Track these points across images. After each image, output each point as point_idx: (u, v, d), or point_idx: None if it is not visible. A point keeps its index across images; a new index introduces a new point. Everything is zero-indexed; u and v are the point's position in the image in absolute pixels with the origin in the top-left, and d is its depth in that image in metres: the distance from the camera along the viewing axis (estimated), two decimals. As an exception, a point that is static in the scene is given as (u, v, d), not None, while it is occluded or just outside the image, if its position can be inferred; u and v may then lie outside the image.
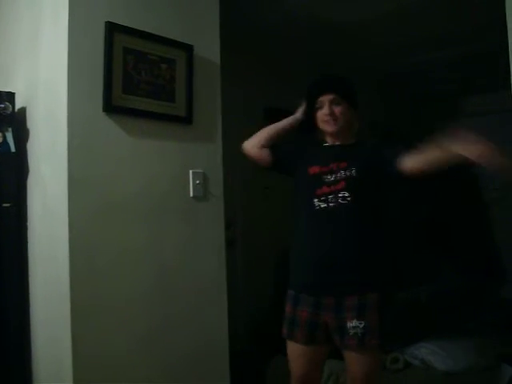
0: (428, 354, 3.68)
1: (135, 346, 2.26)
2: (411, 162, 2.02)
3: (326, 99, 2.14)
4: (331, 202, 2.04)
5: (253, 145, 2.29)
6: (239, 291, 3.77)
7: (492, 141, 1.83)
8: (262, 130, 2.31)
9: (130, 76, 2.29)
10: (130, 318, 2.26)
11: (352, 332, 1.97)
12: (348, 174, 2.04)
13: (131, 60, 2.30)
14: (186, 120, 2.48)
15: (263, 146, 2.27)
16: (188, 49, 2.48)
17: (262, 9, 3.46)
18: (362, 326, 1.96)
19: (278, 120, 2.35)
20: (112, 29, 2.22)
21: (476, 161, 1.87)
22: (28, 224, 2.45)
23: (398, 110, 5.47)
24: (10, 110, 2.39)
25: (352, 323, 1.97)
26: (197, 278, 2.49)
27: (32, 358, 2.43)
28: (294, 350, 2.13)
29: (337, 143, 2.19)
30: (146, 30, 2.34)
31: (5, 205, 2.38)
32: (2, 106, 2.37)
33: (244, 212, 4.06)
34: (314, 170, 2.12)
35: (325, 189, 2.05)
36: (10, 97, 2.41)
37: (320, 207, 2.05)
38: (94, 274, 2.16)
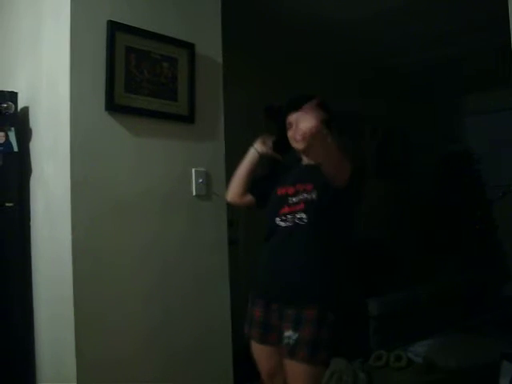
0: (430, 351, 3.68)
1: (139, 346, 2.26)
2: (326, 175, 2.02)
3: (293, 119, 2.15)
4: (289, 222, 2.11)
5: (235, 198, 2.35)
6: (241, 289, 3.77)
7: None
8: (233, 179, 2.33)
9: (132, 75, 2.29)
10: (134, 318, 2.26)
11: (285, 341, 2.03)
12: (309, 196, 2.09)
13: (133, 59, 2.30)
14: (189, 119, 2.49)
15: (244, 193, 2.33)
16: (190, 47, 2.48)
17: (264, 8, 3.46)
18: (294, 337, 2.01)
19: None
20: (114, 28, 2.22)
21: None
22: (31, 223, 2.45)
23: (398, 109, 5.47)
24: (13, 109, 2.40)
25: (287, 333, 2.03)
26: (200, 276, 2.50)
27: (36, 359, 2.44)
28: (254, 348, 2.22)
29: (309, 162, 2.19)
30: (148, 28, 2.34)
31: (8, 204, 2.39)
32: (5, 105, 2.37)
33: (246, 211, 4.06)
34: (282, 191, 2.18)
35: (286, 209, 2.12)
36: (12, 96, 2.41)
37: (280, 225, 2.13)
38: (97, 274, 2.16)
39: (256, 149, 2.29)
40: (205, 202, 2.54)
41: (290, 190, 2.15)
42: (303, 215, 2.08)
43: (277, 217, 2.14)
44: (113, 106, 2.22)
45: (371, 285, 4.08)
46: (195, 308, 2.47)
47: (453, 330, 4.07)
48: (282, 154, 2.30)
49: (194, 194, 2.49)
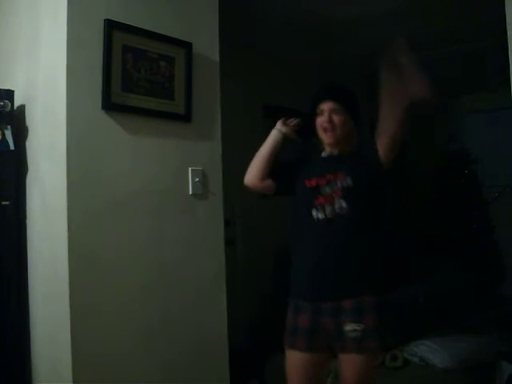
0: (427, 351, 3.69)
1: (135, 344, 2.26)
2: (380, 145, 2.08)
3: (326, 107, 2.13)
4: (328, 212, 2.05)
5: (254, 181, 2.25)
6: (238, 289, 3.77)
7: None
8: (254, 161, 2.26)
9: (129, 74, 2.29)
10: (130, 316, 2.26)
11: (351, 335, 1.97)
12: (344, 184, 2.06)
13: (130, 57, 2.29)
14: (185, 118, 2.48)
15: (264, 177, 2.24)
16: (187, 46, 2.47)
17: (262, 6, 3.45)
18: (360, 329, 1.97)
19: (277, 117, 2.34)
20: (111, 26, 2.22)
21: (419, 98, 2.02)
22: (27, 222, 2.45)
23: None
24: (9, 107, 2.39)
25: (350, 327, 1.98)
26: (196, 275, 2.49)
27: (31, 357, 2.44)
28: (295, 358, 2.10)
29: (334, 153, 2.19)
30: (145, 27, 2.34)
31: (4, 203, 2.38)
32: (1, 103, 2.37)
33: (243, 210, 4.06)
34: (311, 182, 2.13)
35: (321, 199, 2.07)
36: (9, 94, 2.41)
37: (318, 218, 2.07)
38: (92, 272, 2.16)
39: (279, 130, 2.25)
40: (201, 201, 2.54)
41: (321, 181, 2.10)
42: (343, 203, 2.04)
43: (312, 209, 2.07)
44: (109, 104, 2.22)
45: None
46: (192, 306, 2.47)
47: (449, 329, 4.07)
48: (302, 139, 2.28)
49: (191, 193, 2.49)
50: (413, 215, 5.57)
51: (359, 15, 3.61)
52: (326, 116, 2.12)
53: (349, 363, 2.03)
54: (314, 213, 2.07)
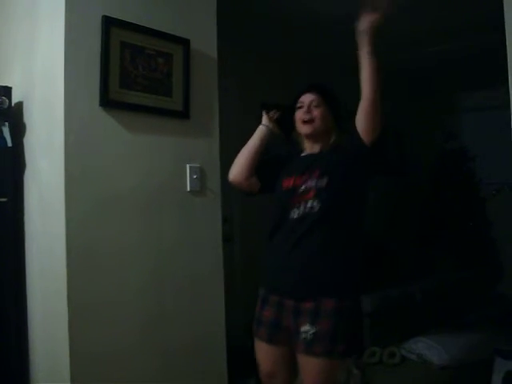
0: (424, 348, 3.70)
1: (133, 341, 2.26)
2: (358, 121, 2.01)
3: (306, 99, 2.14)
4: (301, 211, 2.03)
5: (239, 178, 2.21)
6: (236, 286, 3.77)
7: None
8: (239, 157, 2.22)
9: (127, 70, 2.29)
10: (127, 313, 2.26)
11: (302, 337, 1.94)
12: (319, 183, 2.02)
13: (128, 54, 2.29)
14: (183, 114, 2.48)
15: (249, 175, 2.20)
16: (185, 43, 2.47)
17: (260, 3, 3.45)
18: (312, 331, 1.93)
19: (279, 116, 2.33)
20: (109, 23, 2.22)
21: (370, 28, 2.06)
22: (25, 218, 2.45)
23: (393, 107, 5.48)
24: (7, 104, 2.39)
25: (304, 328, 1.95)
26: (194, 272, 2.49)
27: (29, 353, 2.44)
28: (259, 347, 2.14)
29: (315, 152, 2.16)
30: (143, 24, 2.34)
31: (1, 199, 2.38)
32: (-1, 100, 2.36)
33: (241, 207, 4.06)
34: (288, 182, 2.11)
35: (296, 199, 2.05)
36: (6, 91, 2.41)
37: (292, 217, 2.05)
38: (90, 269, 2.16)
39: (266, 125, 2.23)
40: (199, 198, 2.54)
41: (298, 181, 2.07)
42: (314, 203, 2.00)
43: (287, 208, 2.06)
44: (107, 101, 2.22)
45: (365, 281, 4.10)
46: (189, 303, 2.47)
47: (447, 327, 4.09)
48: (286, 135, 2.26)
49: (189, 189, 2.49)
50: (410, 212, 5.57)
51: (358, 13, 3.61)
52: (305, 108, 2.13)
53: (302, 364, 2.02)
54: (289, 212, 2.05)
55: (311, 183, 2.03)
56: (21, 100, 2.47)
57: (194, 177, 2.50)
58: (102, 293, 2.19)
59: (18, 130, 2.45)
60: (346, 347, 1.96)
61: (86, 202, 2.16)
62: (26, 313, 2.44)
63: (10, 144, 2.38)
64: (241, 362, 3.00)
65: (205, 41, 2.59)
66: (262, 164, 2.22)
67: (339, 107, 2.19)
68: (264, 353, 2.13)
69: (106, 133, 2.24)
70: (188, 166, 2.49)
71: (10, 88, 2.42)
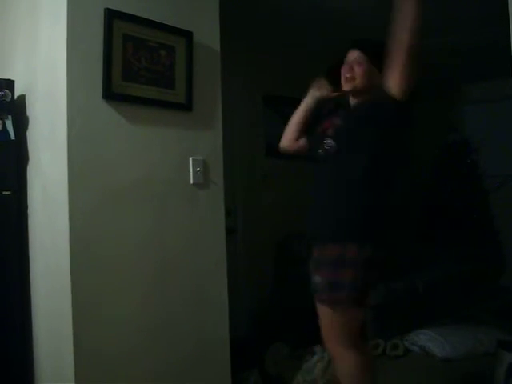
0: (427, 340, 3.71)
1: (137, 338, 2.26)
2: (391, 72, 1.98)
3: (351, 56, 2.21)
4: (323, 151, 2.15)
5: (289, 142, 2.42)
6: (240, 279, 3.78)
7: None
8: (288, 126, 2.42)
9: (130, 63, 2.28)
10: (132, 309, 2.26)
11: (312, 286, 1.99)
12: (337, 122, 2.16)
13: (131, 47, 2.28)
14: (186, 107, 2.48)
15: (298, 138, 2.39)
16: (187, 35, 2.46)
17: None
18: (318, 281, 1.98)
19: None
20: (111, 15, 2.21)
21: None
22: (28, 212, 2.45)
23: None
24: (10, 97, 2.38)
25: (321, 277, 1.98)
26: (197, 265, 2.50)
27: (34, 351, 2.43)
28: (320, 310, 2.07)
29: (355, 102, 2.24)
30: (146, 16, 2.33)
31: (5, 193, 2.38)
32: (2, 93, 2.36)
33: (244, 200, 4.06)
34: (323, 126, 2.24)
35: (324, 141, 2.16)
36: (9, 84, 2.40)
37: (319, 156, 2.17)
38: (94, 264, 2.15)
39: (312, 94, 2.37)
40: (202, 191, 2.54)
41: (327, 124, 2.21)
42: (330, 141, 2.11)
43: (317, 149, 2.18)
44: (110, 94, 2.21)
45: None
46: (193, 296, 2.47)
47: (450, 319, 4.09)
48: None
49: (192, 182, 2.49)
50: (414, 204, 5.56)
51: (360, 4, 3.59)
52: (348, 66, 2.19)
53: (323, 313, 2.03)
54: (319, 152, 2.18)
55: (336, 125, 2.17)
56: (23, 93, 2.47)
57: (197, 169, 2.50)
58: (106, 288, 2.18)
59: (21, 123, 2.44)
60: (363, 297, 1.99)
61: (89, 194, 2.16)
62: (30, 310, 2.44)
63: (13, 137, 2.38)
64: (243, 354, 3.01)
65: (208, 33, 2.58)
66: (312, 125, 2.37)
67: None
68: (325, 315, 2.05)
69: (108, 125, 2.24)
70: (191, 158, 2.49)
71: (13, 81, 2.42)
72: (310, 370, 3.26)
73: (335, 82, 2.28)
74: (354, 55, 2.19)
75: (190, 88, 2.48)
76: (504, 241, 5.42)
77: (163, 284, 2.37)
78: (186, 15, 2.50)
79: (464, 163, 5.62)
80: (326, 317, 2.01)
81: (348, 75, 2.18)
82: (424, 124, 5.67)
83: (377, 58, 2.13)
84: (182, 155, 2.47)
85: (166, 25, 2.39)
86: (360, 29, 3.98)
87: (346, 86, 2.20)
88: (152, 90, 2.35)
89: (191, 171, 2.49)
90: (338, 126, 2.16)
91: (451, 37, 4.31)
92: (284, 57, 4.41)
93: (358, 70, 2.17)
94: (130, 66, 2.28)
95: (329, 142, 2.12)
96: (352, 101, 2.25)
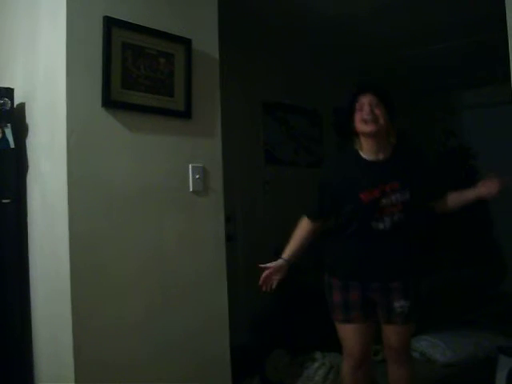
0: (428, 346, 3.70)
1: (138, 344, 2.26)
2: (439, 205, 2.39)
3: (366, 100, 2.22)
4: (387, 224, 2.23)
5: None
6: (239, 286, 3.77)
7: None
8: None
9: (129, 71, 2.29)
10: (131, 315, 2.26)
11: (398, 310, 2.26)
12: (403, 197, 2.22)
13: (130, 55, 2.29)
14: (185, 114, 2.48)
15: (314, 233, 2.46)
16: (186, 43, 2.47)
17: (261, 3, 3.45)
18: (407, 305, 2.26)
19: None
20: (110, 23, 2.22)
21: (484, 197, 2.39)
22: (28, 220, 2.45)
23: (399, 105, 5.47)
24: (9, 105, 2.39)
25: (399, 303, 2.26)
26: (197, 271, 2.49)
27: (33, 357, 2.43)
28: (351, 331, 2.35)
29: (380, 158, 2.28)
30: (145, 24, 2.34)
31: (4, 201, 2.38)
32: (1, 101, 2.36)
33: (244, 207, 4.06)
34: (366, 195, 2.22)
35: (380, 211, 2.22)
36: (8, 92, 2.40)
37: (376, 227, 2.24)
38: (94, 271, 2.15)
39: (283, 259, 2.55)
40: (202, 198, 2.54)
41: (376, 192, 2.22)
42: (401, 215, 2.23)
43: (371, 220, 2.23)
44: (109, 102, 2.22)
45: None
46: (193, 303, 2.47)
47: (450, 324, 4.08)
48: (345, 139, 2.41)
49: (191, 189, 2.49)
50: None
51: (359, 10, 3.61)
52: (367, 108, 2.21)
53: (394, 332, 2.33)
54: (373, 223, 2.24)
55: (395, 197, 2.22)
56: (23, 101, 2.47)
57: (197, 177, 2.50)
58: (106, 295, 2.18)
59: (21, 131, 2.45)
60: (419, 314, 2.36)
61: (89, 202, 2.16)
62: (29, 315, 2.44)
63: (12, 145, 2.38)
64: (244, 361, 3.00)
65: (206, 41, 2.59)
66: (322, 205, 2.40)
67: (394, 108, 2.29)
68: (358, 334, 2.35)
69: (108, 133, 2.24)
70: (190, 165, 2.49)
71: (12, 89, 2.42)
72: (310, 376, 3.26)
73: (345, 127, 2.32)
74: (369, 98, 2.22)
75: (190, 95, 2.48)
76: (503, 245, 5.42)
77: (162, 289, 2.37)
78: (185, 23, 2.51)
79: (463, 168, 5.62)
80: (407, 331, 2.37)
81: (368, 117, 2.20)
82: (422, 130, 5.70)
83: (387, 101, 2.26)
84: (182, 162, 2.47)
85: (165, 32, 2.40)
86: (359, 34, 4.01)
87: (368, 128, 2.22)
88: (151, 98, 2.36)
89: (191, 178, 2.49)
90: (405, 200, 2.23)
91: (451, 41, 4.33)
92: (284, 64, 4.43)
93: (378, 112, 2.21)
94: (129, 73, 2.29)
95: (398, 216, 2.23)
96: (369, 148, 2.29)
